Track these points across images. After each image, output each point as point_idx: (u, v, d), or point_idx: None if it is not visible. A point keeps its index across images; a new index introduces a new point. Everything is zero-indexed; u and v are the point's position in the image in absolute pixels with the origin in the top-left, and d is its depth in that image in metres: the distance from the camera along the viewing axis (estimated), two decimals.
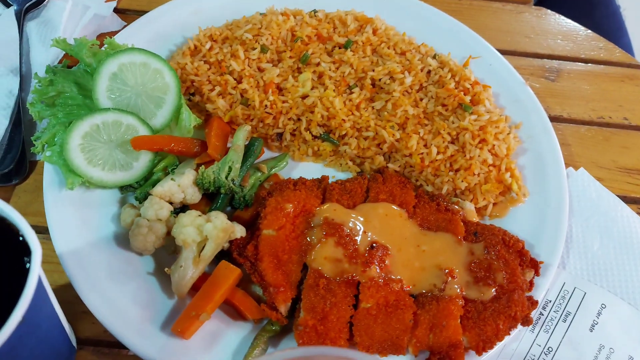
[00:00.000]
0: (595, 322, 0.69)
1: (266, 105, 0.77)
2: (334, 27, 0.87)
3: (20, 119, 0.81)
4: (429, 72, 0.83)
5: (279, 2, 0.90)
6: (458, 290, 0.65)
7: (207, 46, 0.83)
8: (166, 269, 0.65)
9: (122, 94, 0.75)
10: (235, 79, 0.80)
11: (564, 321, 0.69)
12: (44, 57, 0.86)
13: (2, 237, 0.49)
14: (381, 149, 0.78)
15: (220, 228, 0.64)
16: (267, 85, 0.79)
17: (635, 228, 0.77)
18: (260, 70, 0.81)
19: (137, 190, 0.72)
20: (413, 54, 0.84)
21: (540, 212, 0.75)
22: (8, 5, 0.93)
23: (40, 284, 0.48)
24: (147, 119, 0.75)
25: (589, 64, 1.01)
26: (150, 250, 0.67)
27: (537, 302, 0.66)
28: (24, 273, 0.47)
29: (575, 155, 0.89)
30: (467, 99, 0.79)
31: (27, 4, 0.92)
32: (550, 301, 0.71)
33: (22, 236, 0.49)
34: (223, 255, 0.68)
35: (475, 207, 0.75)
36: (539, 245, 0.72)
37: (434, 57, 0.85)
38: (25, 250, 0.48)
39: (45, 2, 0.93)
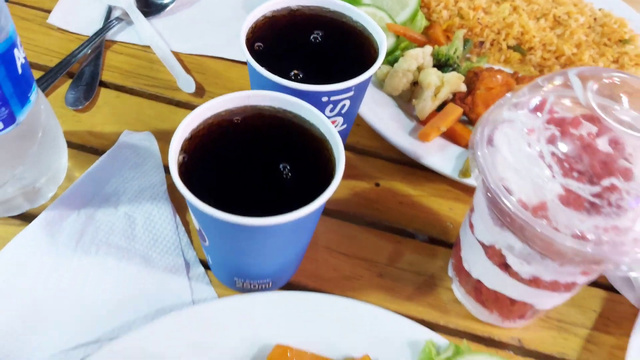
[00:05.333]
0: None
1: (478, 19, 1.07)
2: None
3: None
4: (595, 19, 1.11)
5: None
6: None
7: None
8: (413, 100, 0.95)
9: None
10: (455, 0, 1.11)
11: None
12: None
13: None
14: (558, 60, 1.05)
15: (457, 76, 0.93)
16: (476, 7, 1.09)
17: None
18: (470, 0, 1.12)
19: (388, 57, 1.03)
20: (583, 5, 1.13)
21: None
22: None
23: None
24: (393, 16, 1.06)
25: None
26: (398, 91, 0.97)
27: None
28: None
29: None
30: (626, 36, 1.07)
31: None
32: None
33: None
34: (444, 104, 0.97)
35: None
36: None
37: (599, 10, 1.13)
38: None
39: None
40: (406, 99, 0.98)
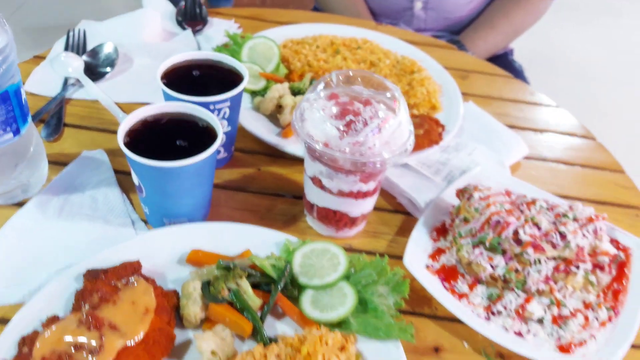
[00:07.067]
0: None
1: (320, 66, 1.62)
2: (351, 42, 1.75)
3: None
4: (397, 61, 1.70)
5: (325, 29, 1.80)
6: None
7: (290, 44, 1.70)
8: (278, 116, 1.45)
9: (251, 57, 1.60)
10: (304, 56, 1.66)
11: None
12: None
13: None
14: None
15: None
16: (319, 59, 1.65)
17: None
18: (315, 55, 1.68)
19: (259, 92, 1.54)
20: (390, 54, 1.72)
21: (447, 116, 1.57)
22: (184, 29, 1.82)
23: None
24: (263, 67, 1.59)
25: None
26: (268, 111, 1.46)
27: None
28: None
29: None
30: (416, 68, 1.65)
31: (196, 28, 1.82)
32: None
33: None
34: None
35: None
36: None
37: (401, 56, 1.72)
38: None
39: (207, 24, 1.83)
40: (274, 116, 1.49)
